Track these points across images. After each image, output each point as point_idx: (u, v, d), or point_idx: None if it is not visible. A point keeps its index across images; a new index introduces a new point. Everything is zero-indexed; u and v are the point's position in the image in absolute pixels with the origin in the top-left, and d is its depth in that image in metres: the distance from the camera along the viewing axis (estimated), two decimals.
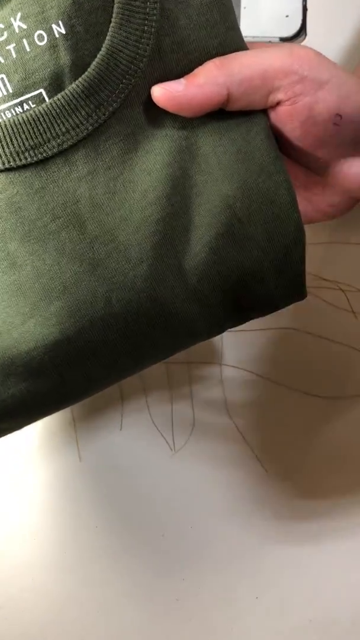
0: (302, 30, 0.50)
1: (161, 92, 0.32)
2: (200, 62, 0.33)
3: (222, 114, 0.33)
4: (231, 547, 0.46)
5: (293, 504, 0.47)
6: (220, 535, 0.47)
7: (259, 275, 0.35)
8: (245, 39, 0.52)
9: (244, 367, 0.48)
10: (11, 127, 0.32)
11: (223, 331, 0.37)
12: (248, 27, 0.50)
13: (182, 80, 0.32)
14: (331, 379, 0.49)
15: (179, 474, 0.47)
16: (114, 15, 0.31)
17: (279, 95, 0.33)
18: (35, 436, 0.48)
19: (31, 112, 0.31)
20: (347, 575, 0.46)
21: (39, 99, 0.31)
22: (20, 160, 0.32)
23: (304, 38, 0.51)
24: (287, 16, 0.50)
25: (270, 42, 0.50)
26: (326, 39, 0.51)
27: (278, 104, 0.33)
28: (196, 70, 0.33)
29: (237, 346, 0.46)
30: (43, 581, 0.47)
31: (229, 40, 0.33)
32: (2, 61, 0.31)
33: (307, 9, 0.50)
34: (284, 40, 0.50)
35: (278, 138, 0.34)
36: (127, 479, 0.47)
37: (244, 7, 0.50)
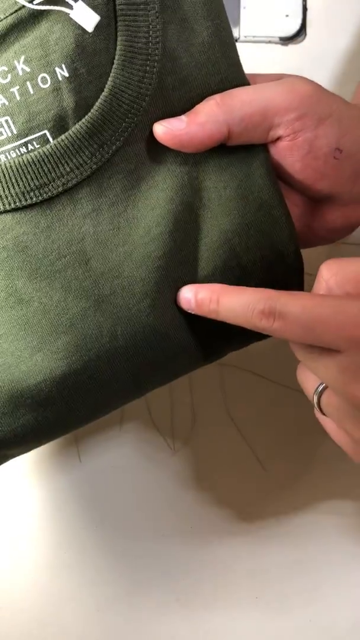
0: (302, 30, 0.50)
1: (163, 130, 0.33)
2: (201, 99, 0.33)
3: (223, 148, 0.34)
4: (231, 547, 0.46)
5: (293, 504, 0.47)
6: (220, 535, 0.47)
7: None
8: (245, 39, 0.52)
9: (244, 367, 0.48)
10: (16, 167, 0.32)
11: (224, 356, 0.37)
12: (248, 27, 0.51)
13: (183, 117, 0.33)
14: None
15: (179, 474, 0.47)
16: (116, 56, 0.32)
17: (279, 131, 0.33)
18: None
19: (36, 152, 0.32)
20: (348, 575, 0.46)
21: (43, 140, 0.32)
22: (26, 200, 0.33)
23: (304, 38, 0.51)
24: (287, 16, 0.50)
25: (270, 42, 0.50)
26: (326, 39, 0.51)
27: (278, 139, 0.34)
28: (197, 108, 0.33)
29: None
30: (43, 581, 0.47)
31: (231, 77, 0.34)
32: (7, 103, 0.31)
33: (307, 8, 0.50)
34: (284, 40, 0.50)
35: (279, 171, 0.35)
36: (127, 479, 0.47)
37: (244, 8, 0.50)
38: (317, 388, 0.32)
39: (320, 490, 0.47)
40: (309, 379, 0.33)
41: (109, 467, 0.47)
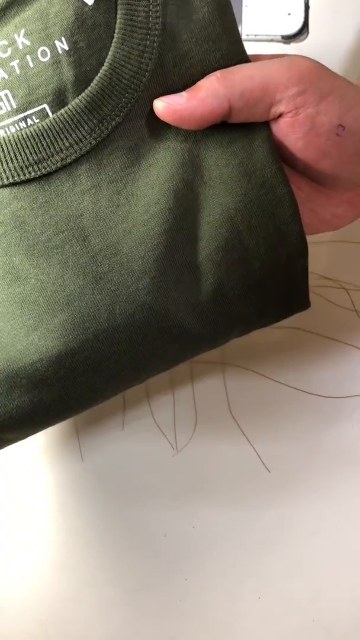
0: (304, 28, 0.50)
1: (163, 106, 0.32)
2: (202, 75, 0.33)
3: (224, 126, 0.34)
4: (234, 547, 0.46)
5: (296, 503, 0.47)
6: (223, 535, 0.46)
7: (261, 288, 0.35)
8: (247, 37, 0.52)
9: (247, 366, 0.48)
10: (15, 142, 0.32)
11: (227, 342, 0.37)
12: (250, 26, 0.50)
13: (184, 93, 0.33)
14: (334, 378, 0.48)
15: (181, 473, 0.47)
16: (116, 30, 0.32)
17: (281, 108, 0.33)
18: (37, 436, 0.48)
19: (35, 127, 0.32)
20: (351, 576, 0.46)
21: (42, 114, 0.32)
22: (25, 174, 0.32)
23: (307, 36, 0.50)
24: (289, 14, 0.50)
25: (272, 40, 0.50)
26: (329, 37, 0.51)
27: (280, 116, 0.33)
28: (198, 83, 0.33)
29: (240, 345, 0.46)
30: (45, 581, 0.47)
31: (231, 54, 0.33)
32: (7, 77, 0.31)
33: (310, 6, 0.50)
34: (286, 38, 0.50)
35: (281, 150, 0.35)
36: (129, 478, 0.47)
37: (246, 6, 0.50)
38: None
39: (322, 490, 0.47)
40: None
41: (111, 466, 0.47)
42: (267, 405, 0.48)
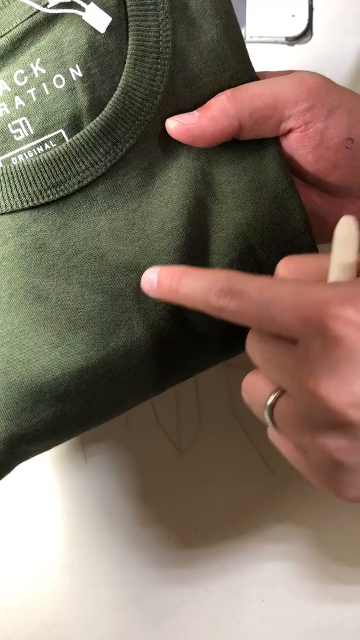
0: (308, 30, 0.50)
1: (175, 125, 0.33)
2: (212, 95, 0.34)
3: (235, 143, 0.34)
4: (237, 549, 0.46)
5: (300, 505, 0.47)
6: (226, 537, 0.46)
7: None
8: (251, 39, 0.52)
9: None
10: (33, 166, 0.33)
11: (242, 351, 0.37)
12: (254, 27, 0.50)
13: (195, 112, 0.33)
14: None
15: (185, 475, 0.47)
16: (128, 56, 0.33)
17: (290, 124, 0.34)
18: None
19: (52, 151, 0.33)
20: (355, 578, 0.46)
21: (59, 139, 0.33)
22: (43, 198, 0.34)
23: (310, 37, 0.50)
24: (293, 16, 0.50)
25: (276, 42, 0.50)
26: (333, 39, 0.50)
27: (290, 131, 0.34)
28: (208, 103, 0.34)
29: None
30: (48, 583, 0.47)
31: (240, 73, 0.34)
32: (24, 104, 0.33)
33: (314, 8, 0.50)
34: (290, 39, 0.50)
35: (291, 164, 0.35)
36: (132, 480, 0.47)
37: (250, 8, 0.50)
38: (269, 398, 0.28)
39: (326, 491, 0.47)
40: (258, 390, 0.29)
41: (115, 468, 0.47)
42: None
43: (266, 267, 0.35)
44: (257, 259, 0.35)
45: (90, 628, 0.46)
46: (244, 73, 0.34)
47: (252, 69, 0.35)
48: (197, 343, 0.35)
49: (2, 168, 0.33)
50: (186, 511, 0.47)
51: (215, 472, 0.47)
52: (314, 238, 0.35)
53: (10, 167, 0.33)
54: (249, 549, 0.46)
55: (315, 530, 0.46)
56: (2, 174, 0.33)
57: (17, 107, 0.33)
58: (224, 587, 0.46)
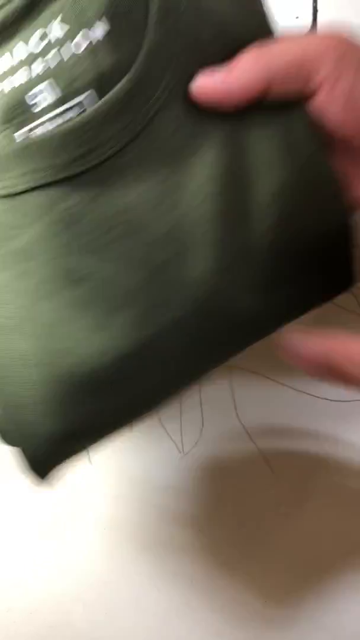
0: (312, 32, 0.50)
1: (201, 87, 0.32)
2: (238, 51, 0.32)
3: (262, 105, 0.33)
4: (240, 550, 0.46)
5: (302, 507, 0.47)
6: (229, 538, 0.46)
7: (311, 264, 0.35)
8: None
9: (254, 369, 0.48)
10: (59, 137, 0.31)
11: (287, 323, 0.36)
12: None
13: (219, 74, 0.32)
14: None
15: (188, 476, 0.47)
16: (150, 14, 0.31)
17: (317, 82, 0.32)
18: None
19: (77, 119, 0.31)
20: (356, 578, 0.46)
21: (87, 102, 0.31)
22: (71, 169, 0.31)
23: None
24: (297, 17, 0.50)
25: None
26: None
27: (316, 90, 0.33)
28: (233, 62, 0.32)
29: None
30: (52, 583, 0.47)
31: (265, 31, 0.33)
32: (47, 68, 0.30)
33: (318, 9, 0.50)
34: None
35: (320, 128, 0.34)
36: (136, 481, 0.47)
37: None
38: None
39: (328, 494, 0.47)
40: None
41: (118, 469, 0.47)
42: (274, 408, 0.48)
43: (302, 230, 0.33)
44: (292, 224, 0.33)
45: (92, 630, 0.46)
46: (268, 31, 0.33)
47: (274, 28, 0.33)
48: (246, 315, 0.33)
49: (23, 141, 0.31)
50: (189, 512, 0.47)
51: (218, 473, 0.47)
52: (344, 202, 0.34)
53: (32, 140, 0.31)
54: (250, 550, 0.46)
55: (317, 531, 0.46)
56: (24, 148, 0.31)
57: (40, 72, 0.30)
58: (225, 589, 0.46)
